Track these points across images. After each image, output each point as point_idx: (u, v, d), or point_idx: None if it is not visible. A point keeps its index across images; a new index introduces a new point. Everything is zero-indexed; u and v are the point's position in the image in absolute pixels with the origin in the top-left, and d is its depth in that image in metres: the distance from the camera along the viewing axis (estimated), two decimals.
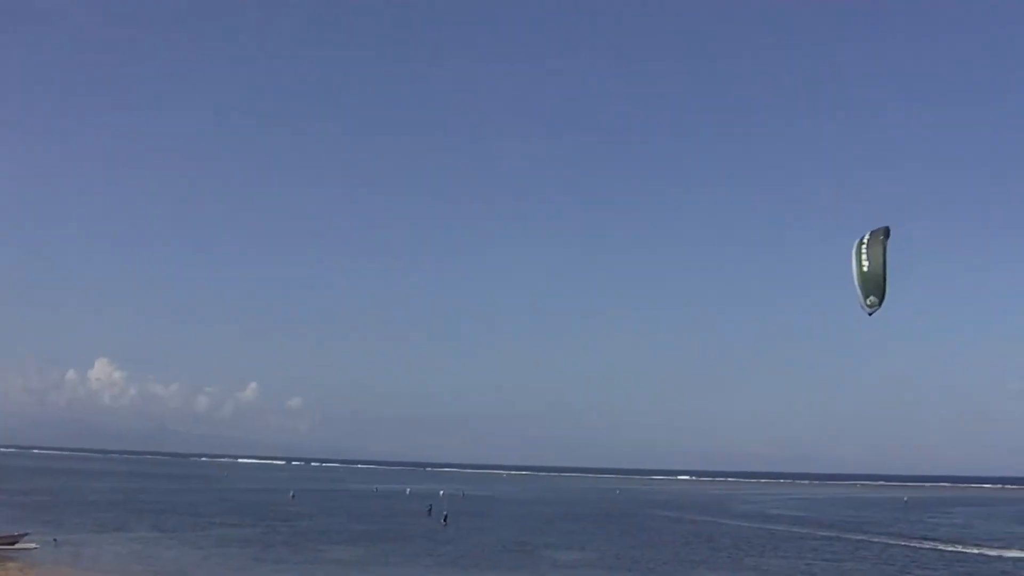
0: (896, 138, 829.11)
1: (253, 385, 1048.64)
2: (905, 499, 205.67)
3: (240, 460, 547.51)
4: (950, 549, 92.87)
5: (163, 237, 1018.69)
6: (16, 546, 67.05)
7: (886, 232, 34.58)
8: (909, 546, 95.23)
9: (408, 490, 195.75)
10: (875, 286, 33.91)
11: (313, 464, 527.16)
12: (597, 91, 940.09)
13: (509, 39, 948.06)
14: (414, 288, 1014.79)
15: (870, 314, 34.36)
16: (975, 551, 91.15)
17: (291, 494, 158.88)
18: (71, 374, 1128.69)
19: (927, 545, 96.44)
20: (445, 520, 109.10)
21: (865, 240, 34.58)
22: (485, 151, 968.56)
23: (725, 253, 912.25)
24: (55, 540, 75.08)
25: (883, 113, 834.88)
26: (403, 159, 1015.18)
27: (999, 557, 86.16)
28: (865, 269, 34.00)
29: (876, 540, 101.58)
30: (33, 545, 68.62)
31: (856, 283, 34.36)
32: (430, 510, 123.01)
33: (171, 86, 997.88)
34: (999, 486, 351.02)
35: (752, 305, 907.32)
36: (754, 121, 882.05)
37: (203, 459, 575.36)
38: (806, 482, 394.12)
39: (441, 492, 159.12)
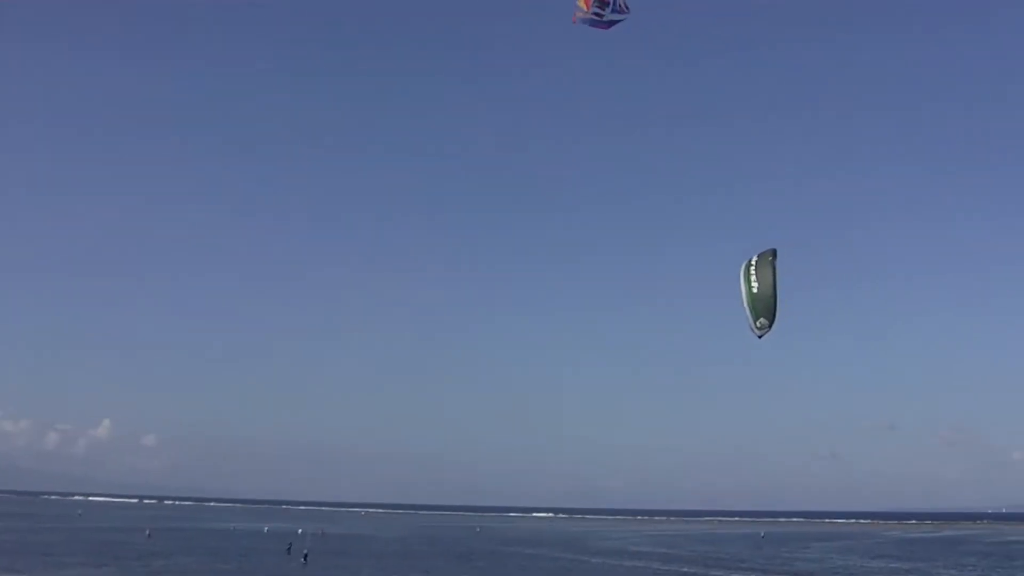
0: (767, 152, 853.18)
1: (106, 422, 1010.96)
2: (762, 534, 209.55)
3: (92, 498, 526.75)
4: None
5: (13, 270, 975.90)
6: None
7: (774, 254, 34.30)
8: None
9: (266, 528, 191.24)
10: (765, 307, 33.81)
11: (167, 502, 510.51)
12: None
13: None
14: (272, 325, 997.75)
15: (760, 336, 34.18)
16: None
17: (147, 533, 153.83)
18: None
19: None
20: (305, 559, 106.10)
21: (753, 262, 34.37)
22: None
23: (573, 295, 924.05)
24: None
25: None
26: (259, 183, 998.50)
27: None
28: (755, 290, 33.88)
29: (739, 575, 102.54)
30: None
31: (745, 305, 34.17)
32: (289, 548, 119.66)
33: None
34: (852, 521, 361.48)
35: (608, 343, 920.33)
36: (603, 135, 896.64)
37: (54, 497, 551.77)
38: (663, 519, 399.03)
39: (300, 531, 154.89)
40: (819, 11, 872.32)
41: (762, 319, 33.76)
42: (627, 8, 40.26)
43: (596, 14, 40.17)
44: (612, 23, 40.31)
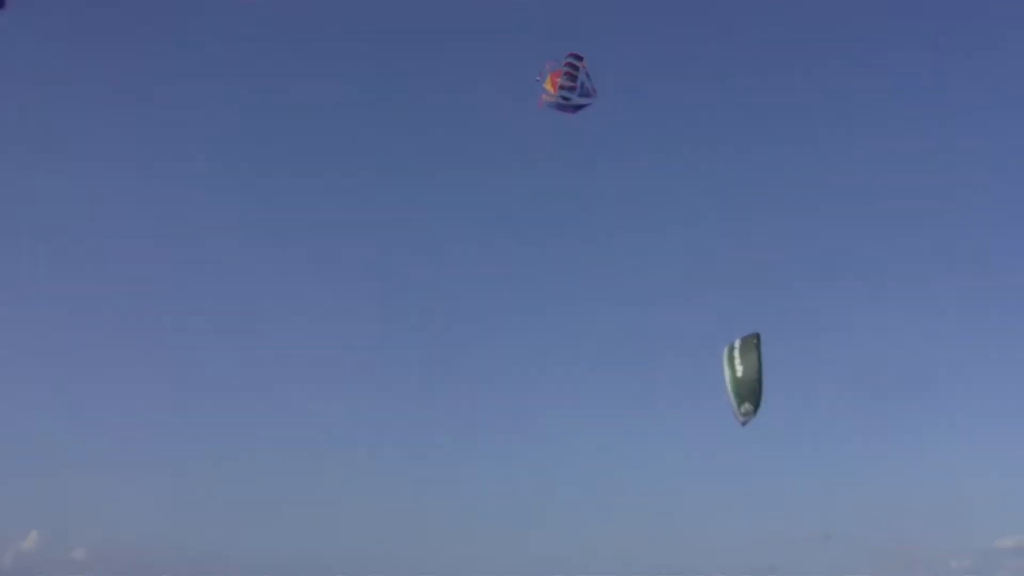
0: None
1: (34, 534, 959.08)
2: None
3: None
4: None
5: None
6: None
7: (757, 338, 33.41)
8: None
9: None
10: (749, 392, 32.69)
11: None
12: None
13: None
14: (194, 437, 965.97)
15: (744, 423, 32.89)
16: None
17: None
18: None
19: None
20: None
21: (736, 346, 33.48)
22: None
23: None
24: None
25: None
26: None
27: None
28: (739, 375, 32.84)
29: None
30: None
31: (728, 391, 33.11)
32: None
33: None
34: None
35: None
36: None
37: None
38: None
39: None
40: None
41: (747, 404, 32.67)
42: (595, 91, 40.12)
43: (563, 98, 39.93)
44: (579, 107, 40.13)
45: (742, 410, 32.65)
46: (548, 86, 39.62)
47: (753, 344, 33.09)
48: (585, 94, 39.80)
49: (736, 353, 33.16)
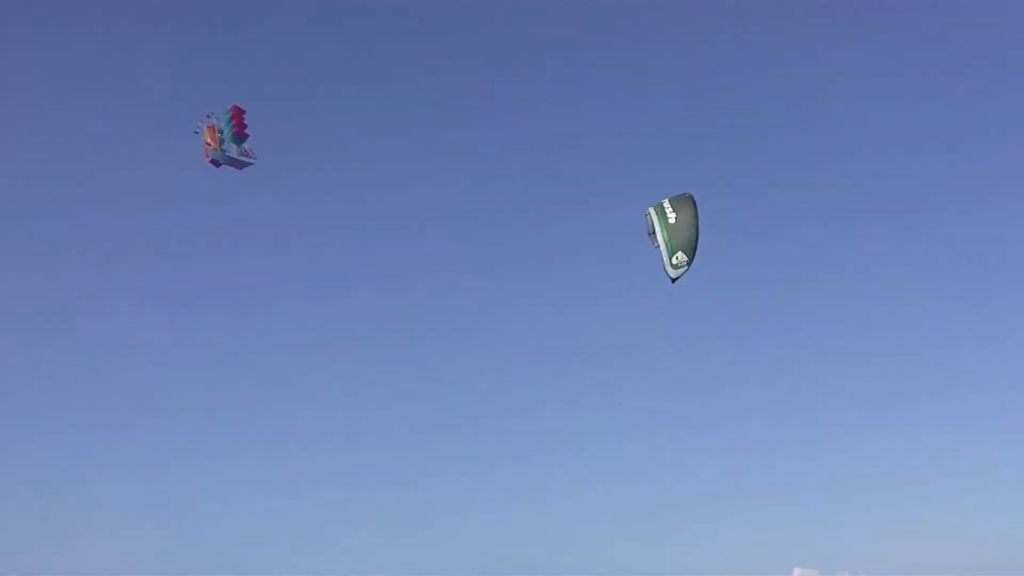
0: None
1: None
2: None
3: None
4: None
5: None
6: None
7: (692, 197, 31.35)
8: None
9: None
10: (682, 241, 30.38)
11: None
12: None
13: None
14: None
15: (675, 279, 30.60)
16: None
17: None
18: None
19: None
20: None
21: (666, 202, 31.33)
22: None
23: None
24: None
25: None
26: None
27: None
28: (671, 221, 30.55)
29: None
30: None
31: (660, 240, 30.58)
32: None
33: None
34: None
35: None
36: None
37: None
38: None
39: None
40: None
41: (680, 254, 30.29)
42: (253, 155, 40.02)
43: (225, 150, 39.88)
44: (244, 164, 39.63)
45: (674, 261, 30.36)
46: (207, 139, 39.64)
47: (688, 198, 31.10)
48: (245, 155, 39.95)
49: (667, 205, 30.99)
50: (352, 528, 73.65)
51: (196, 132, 39.36)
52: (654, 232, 30.68)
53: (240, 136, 38.69)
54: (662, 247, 30.11)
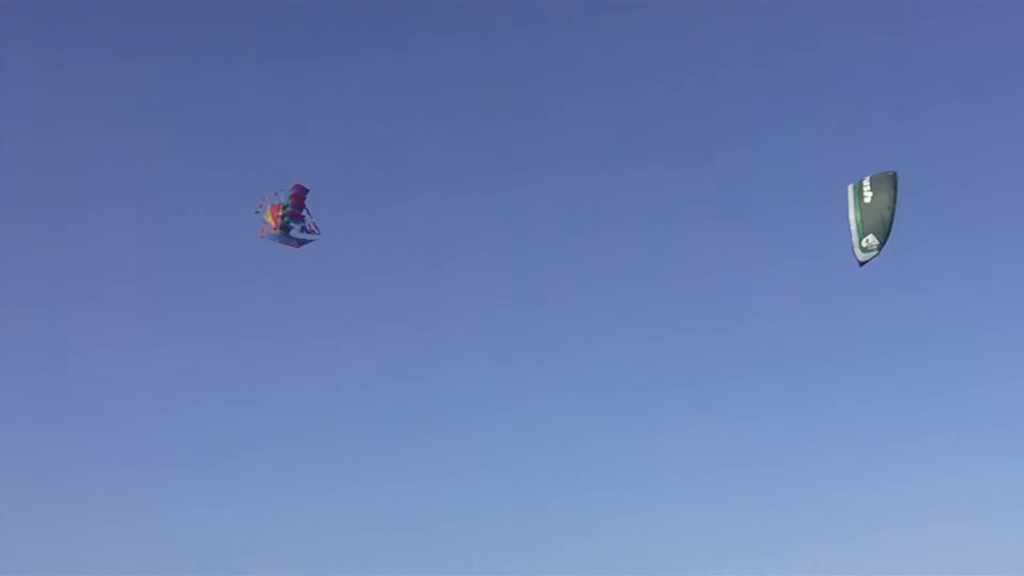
0: None
1: None
2: None
3: None
4: None
5: None
6: None
7: (895, 175, 29.60)
8: None
9: None
10: (875, 224, 28.77)
11: None
12: None
13: None
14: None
15: (863, 263, 29.07)
16: None
17: None
18: None
19: None
20: None
21: (866, 180, 29.73)
22: None
23: None
24: None
25: None
26: None
27: None
28: (866, 200, 29.01)
29: None
30: None
31: (851, 220, 29.20)
32: None
33: None
34: None
35: None
36: None
37: None
38: None
39: None
40: None
41: (871, 237, 28.54)
42: (317, 229, 39.28)
43: (284, 229, 38.98)
44: (302, 243, 39.12)
45: (863, 243, 28.65)
46: (268, 218, 38.95)
47: (889, 179, 29.20)
48: (307, 230, 39.35)
49: (866, 183, 29.29)
50: (352, 529, 74.99)
51: (257, 212, 38.83)
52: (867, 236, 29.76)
53: (296, 216, 38.37)
54: (852, 227, 28.79)
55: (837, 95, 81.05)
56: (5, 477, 64.66)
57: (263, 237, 38.78)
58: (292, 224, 38.79)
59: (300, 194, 39.02)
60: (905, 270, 75.19)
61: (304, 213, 38.84)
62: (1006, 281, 75.66)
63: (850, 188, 29.59)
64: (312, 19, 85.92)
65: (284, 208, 38.65)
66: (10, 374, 69.84)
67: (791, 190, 78.87)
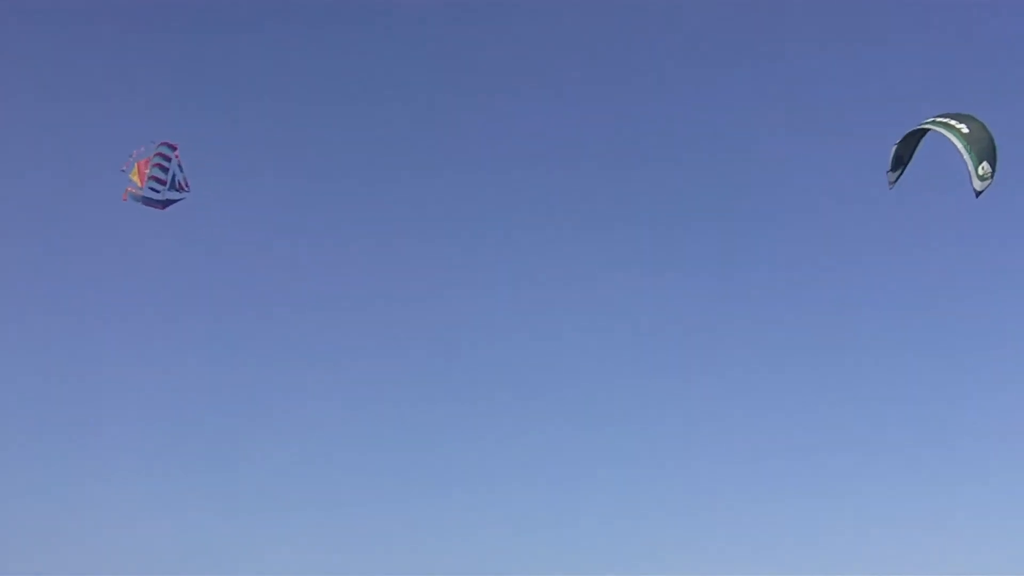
0: None
1: None
2: None
3: None
4: None
5: None
6: None
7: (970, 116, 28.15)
8: None
9: None
10: (983, 149, 27.12)
11: None
12: None
13: None
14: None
15: (979, 193, 27.44)
16: None
17: None
18: None
19: None
20: None
21: (941, 117, 28.20)
22: None
23: None
24: None
25: None
26: None
27: None
28: (965, 131, 27.30)
29: None
30: None
31: (963, 151, 27.22)
32: None
33: None
34: None
35: None
36: None
37: None
38: None
39: None
40: None
41: (985, 164, 26.97)
42: (187, 186, 37.90)
43: (152, 190, 37.44)
44: (169, 202, 37.68)
45: (980, 172, 26.99)
46: (135, 176, 36.96)
47: (967, 116, 27.77)
48: (176, 188, 37.39)
49: (950, 120, 27.80)
50: (351, 530, 72.49)
51: (123, 170, 37.36)
52: (898, 168, 29.17)
53: (159, 180, 37.01)
54: (966, 157, 27.03)
55: (837, 95, 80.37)
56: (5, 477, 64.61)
57: (126, 200, 36.73)
58: (159, 186, 36.90)
59: (167, 152, 36.97)
60: (905, 270, 73.97)
61: (170, 173, 36.83)
62: (1006, 281, 73.65)
63: (929, 125, 27.85)
64: None
65: (152, 167, 36.73)
66: None
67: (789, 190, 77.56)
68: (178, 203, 37.89)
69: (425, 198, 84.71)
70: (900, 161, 28.95)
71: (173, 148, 37.37)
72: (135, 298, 79.21)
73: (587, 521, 65.98)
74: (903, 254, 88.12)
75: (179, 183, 37.41)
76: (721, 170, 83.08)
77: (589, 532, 66.15)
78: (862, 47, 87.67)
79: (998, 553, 59.90)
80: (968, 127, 27.28)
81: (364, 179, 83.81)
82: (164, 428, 69.86)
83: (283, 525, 64.99)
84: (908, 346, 73.21)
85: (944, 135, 27.37)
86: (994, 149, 26.95)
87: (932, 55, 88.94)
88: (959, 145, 27.16)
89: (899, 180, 29.02)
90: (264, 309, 78.92)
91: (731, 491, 66.24)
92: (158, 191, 37.27)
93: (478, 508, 68.67)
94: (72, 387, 71.61)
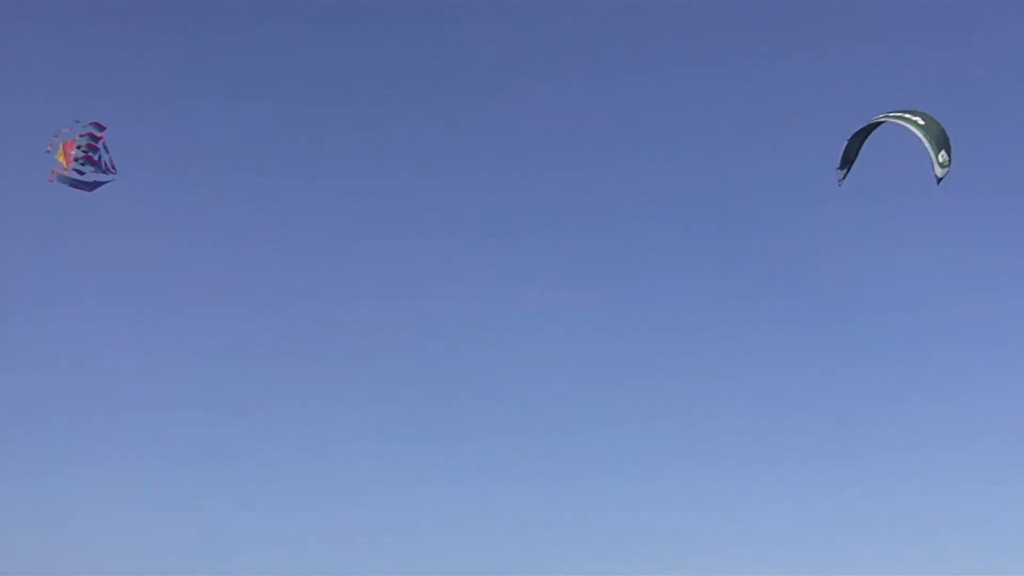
0: None
1: None
2: None
3: None
4: None
5: None
6: None
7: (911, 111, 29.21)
8: None
9: None
10: (941, 138, 28.06)
11: None
12: None
13: None
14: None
15: (940, 179, 28.05)
16: None
17: None
18: None
19: None
20: None
21: (894, 113, 29.31)
22: None
23: None
24: None
25: None
26: None
27: None
28: (921, 123, 28.36)
29: None
30: None
31: (924, 139, 28.07)
32: None
33: None
34: None
35: None
36: None
37: None
38: None
39: None
40: None
41: (943, 153, 27.81)
42: (114, 168, 37.34)
43: (77, 171, 37.01)
44: (97, 184, 37.29)
45: (940, 159, 27.84)
46: (60, 158, 36.61)
47: (917, 110, 28.92)
48: (103, 170, 37.10)
49: (903, 113, 28.98)
50: (351, 530, 71.77)
51: (48, 151, 36.63)
52: (845, 166, 30.31)
53: (90, 160, 36.44)
54: (927, 146, 27.90)
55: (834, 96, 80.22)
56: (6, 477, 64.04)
57: (52, 181, 36.51)
58: (86, 167, 36.61)
59: (96, 132, 36.63)
60: (903, 270, 73.77)
61: (98, 154, 36.52)
62: (1006, 282, 73.31)
63: (885, 119, 28.89)
64: None
65: (78, 148, 36.32)
66: None
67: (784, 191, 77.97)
68: (105, 185, 37.26)
69: (425, 198, 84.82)
70: (848, 159, 30.25)
71: (102, 128, 36.81)
72: (135, 298, 79.09)
73: (587, 521, 66.09)
74: (903, 254, 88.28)
75: (106, 165, 36.88)
76: (721, 170, 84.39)
77: (589, 532, 66.09)
78: (862, 47, 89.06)
79: (998, 553, 60.34)
80: (923, 119, 28.16)
81: (364, 179, 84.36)
82: (163, 427, 70.31)
83: (283, 525, 65.28)
84: (908, 346, 73.74)
85: (903, 126, 28.19)
86: (947, 139, 27.76)
87: (932, 55, 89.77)
88: (919, 135, 28.04)
89: (847, 177, 30.43)
90: (264, 309, 78.93)
91: (731, 491, 66.36)
92: (84, 173, 36.83)
93: (478, 507, 68.72)
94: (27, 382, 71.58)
